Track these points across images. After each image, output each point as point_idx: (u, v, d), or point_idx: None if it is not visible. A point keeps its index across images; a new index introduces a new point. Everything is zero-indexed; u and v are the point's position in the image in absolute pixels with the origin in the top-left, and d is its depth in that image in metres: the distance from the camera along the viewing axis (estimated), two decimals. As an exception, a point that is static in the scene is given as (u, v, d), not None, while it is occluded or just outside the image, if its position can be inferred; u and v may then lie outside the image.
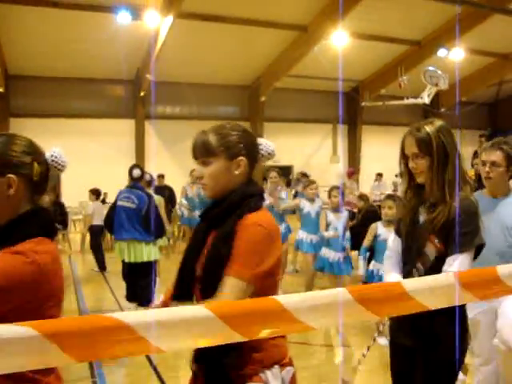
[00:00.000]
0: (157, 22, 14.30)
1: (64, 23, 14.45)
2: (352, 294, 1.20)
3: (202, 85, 19.13)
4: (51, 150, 1.90)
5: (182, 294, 1.93)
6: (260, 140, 2.08)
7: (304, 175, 12.42)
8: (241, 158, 1.90)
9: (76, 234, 12.79)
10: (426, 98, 16.17)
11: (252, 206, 1.88)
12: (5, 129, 17.22)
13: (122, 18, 14.10)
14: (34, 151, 1.73)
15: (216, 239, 1.86)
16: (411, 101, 17.10)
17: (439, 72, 15.21)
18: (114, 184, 9.49)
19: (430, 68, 15.48)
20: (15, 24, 14.41)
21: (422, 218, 2.41)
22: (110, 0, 13.73)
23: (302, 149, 20.81)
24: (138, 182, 6.39)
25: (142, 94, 18.44)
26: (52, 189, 6.61)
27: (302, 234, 7.12)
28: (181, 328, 1.08)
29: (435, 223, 2.30)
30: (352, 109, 21.63)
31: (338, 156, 21.86)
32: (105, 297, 7.91)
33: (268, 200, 7.02)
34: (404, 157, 2.47)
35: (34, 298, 1.49)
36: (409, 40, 18.14)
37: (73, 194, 14.01)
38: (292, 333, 1.16)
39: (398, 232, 2.58)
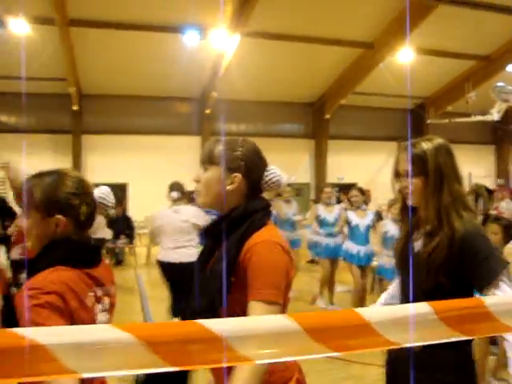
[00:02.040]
0: (223, 41, 14.59)
1: (134, 44, 14.98)
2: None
3: (266, 102, 19.31)
4: (100, 188, 1.94)
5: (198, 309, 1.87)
6: (271, 168, 1.99)
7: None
8: (236, 174, 1.85)
9: (142, 248, 13.06)
10: (495, 115, 15.70)
11: (256, 223, 1.81)
12: (78, 145, 17.93)
13: (190, 37, 14.48)
14: (84, 192, 1.77)
15: (219, 259, 1.79)
16: (479, 118, 16.68)
17: (509, 88, 14.78)
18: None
19: (500, 84, 15.05)
20: (89, 46, 15.06)
21: (418, 245, 2.13)
22: (178, 20, 14.11)
23: (366, 167, 20.61)
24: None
25: (207, 111, 18.76)
26: (119, 203, 6.81)
27: (349, 246, 7.03)
28: (265, 338, 1.06)
29: (434, 257, 2.00)
30: (417, 126, 21.25)
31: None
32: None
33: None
34: (397, 175, 2.21)
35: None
36: (477, 55, 17.76)
37: (139, 208, 14.35)
38: (376, 348, 1.06)
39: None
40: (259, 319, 1.16)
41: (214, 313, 1.72)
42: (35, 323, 1.43)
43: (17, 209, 6.22)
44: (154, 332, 1.04)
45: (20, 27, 13.29)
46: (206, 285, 1.79)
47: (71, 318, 1.55)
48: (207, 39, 14.59)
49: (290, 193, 8.49)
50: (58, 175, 1.75)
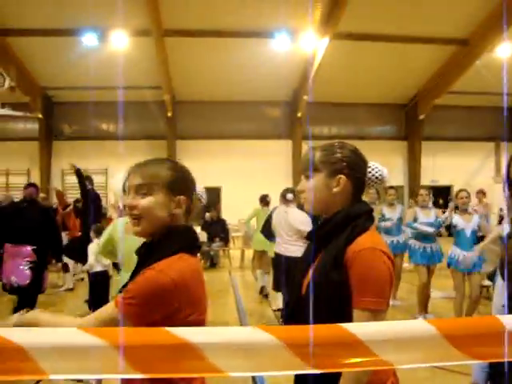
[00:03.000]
0: (313, 44, 14.58)
1: (225, 51, 15.30)
2: None
3: (358, 104, 19.10)
4: (197, 187, 1.97)
5: (291, 313, 1.89)
6: (371, 163, 1.98)
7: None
8: (340, 175, 1.84)
9: (235, 251, 13.23)
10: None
11: (360, 227, 1.80)
12: (172, 150, 18.48)
13: (280, 42, 14.58)
14: (193, 181, 1.83)
15: (324, 263, 1.79)
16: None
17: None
18: (272, 203, 9.77)
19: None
20: (182, 54, 15.56)
21: None
22: (268, 26, 14.25)
23: (462, 168, 19.89)
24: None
25: (299, 114, 18.80)
26: (214, 207, 7.01)
27: (455, 251, 6.72)
28: (405, 342, 1.04)
29: None
30: (519, 126, 20.27)
31: (502, 176, 20.50)
32: (265, 312, 8.06)
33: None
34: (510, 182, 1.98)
35: (172, 307, 1.56)
36: None
37: (232, 211, 14.57)
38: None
39: (502, 275, 2.20)
40: (399, 324, 1.13)
41: (300, 311, 1.75)
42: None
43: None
44: (295, 334, 1.05)
45: (119, 40, 13.90)
46: (308, 285, 1.81)
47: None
48: (297, 43, 14.64)
49: (394, 196, 8.23)
50: (171, 161, 1.82)
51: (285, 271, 6.35)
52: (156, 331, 1.07)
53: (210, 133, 18.93)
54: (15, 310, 5.08)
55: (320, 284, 1.77)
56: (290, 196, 6.82)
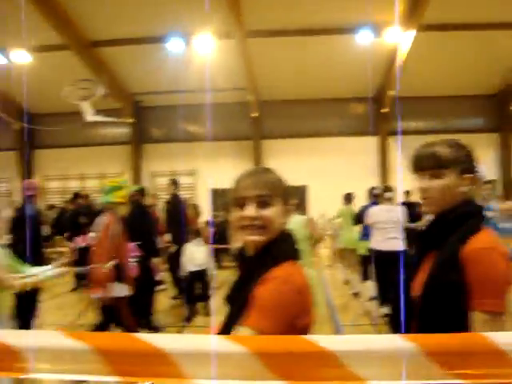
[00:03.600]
0: (398, 38, 14.30)
1: (308, 48, 15.29)
2: None
3: (444, 97, 18.51)
4: None
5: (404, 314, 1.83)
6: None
7: None
8: (470, 175, 1.80)
9: (324, 250, 13.17)
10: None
11: (474, 227, 1.75)
12: (258, 150, 18.73)
13: (364, 37, 14.39)
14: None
15: (440, 263, 1.75)
16: None
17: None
18: (359, 201, 9.70)
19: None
20: (265, 55, 15.68)
21: None
22: (351, 21, 14.12)
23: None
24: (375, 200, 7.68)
25: (384, 110, 18.48)
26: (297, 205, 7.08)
27: None
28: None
29: None
30: None
31: None
32: (354, 309, 8.03)
33: None
34: None
35: (296, 315, 1.56)
36: None
37: (319, 209, 14.54)
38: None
39: None
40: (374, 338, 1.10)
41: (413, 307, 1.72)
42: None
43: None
44: (433, 341, 1.05)
45: (204, 44, 14.23)
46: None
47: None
48: (381, 37, 14.40)
49: (489, 190, 7.78)
50: (274, 170, 1.82)
51: (383, 267, 6.64)
52: (295, 339, 1.08)
53: (294, 131, 18.96)
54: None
55: (438, 285, 1.74)
56: (389, 194, 7.10)
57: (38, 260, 5.68)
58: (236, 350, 1.05)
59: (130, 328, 5.31)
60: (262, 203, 1.68)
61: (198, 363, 1.06)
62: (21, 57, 14.89)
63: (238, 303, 1.65)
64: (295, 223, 5.12)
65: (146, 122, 19.73)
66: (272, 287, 1.54)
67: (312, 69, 16.37)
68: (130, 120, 18.43)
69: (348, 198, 9.99)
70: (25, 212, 6.16)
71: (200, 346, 1.07)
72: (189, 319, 7.44)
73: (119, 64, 16.78)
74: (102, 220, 5.41)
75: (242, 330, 1.46)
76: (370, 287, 7.78)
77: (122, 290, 5.37)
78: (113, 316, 5.40)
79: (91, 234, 5.84)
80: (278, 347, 1.06)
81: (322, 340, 1.05)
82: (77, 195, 12.12)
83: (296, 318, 1.54)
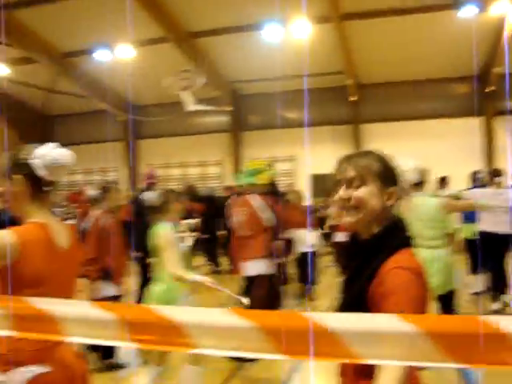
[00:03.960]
0: (504, 10, 13.55)
1: (405, 28, 14.82)
2: None
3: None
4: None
5: None
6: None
7: None
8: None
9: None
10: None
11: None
12: (357, 135, 18.48)
13: (466, 12, 13.72)
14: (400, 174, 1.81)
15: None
16: None
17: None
18: (459, 185, 9.36)
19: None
20: (363, 37, 15.38)
21: None
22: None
23: None
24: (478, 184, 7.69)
25: (489, 89, 17.63)
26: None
27: None
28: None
29: None
30: None
31: None
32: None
33: None
34: None
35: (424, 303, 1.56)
36: None
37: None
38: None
39: None
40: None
41: None
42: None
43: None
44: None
45: (301, 30, 14.17)
46: None
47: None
48: (486, 10, 13.70)
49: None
50: (380, 152, 1.81)
51: (494, 250, 6.59)
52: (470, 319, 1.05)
53: (394, 115, 18.50)
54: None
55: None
56: (498, 178, 7.07)
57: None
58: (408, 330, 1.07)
59: None
60: (354, 185, 1.70)
61: (370, 343, 1.10)
62: (125, 51, 15.49)
63: (352, 292, 1.66)
64: (425, 205, 4.99)
65: (244, 109, 20.00)
66: (403, 279, 1.54)
67: (411, 49, 15.88)
68: (229, 108, 18.74)
69: (443, 181, 9.71)
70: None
71: (371, 326, 1.10)
72: (301, 297, 7.55)
73: (217, 53, 17.08)
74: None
75: None
76: (478, 279, 7.54)
77: None
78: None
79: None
80: (451, 328, 1.05)
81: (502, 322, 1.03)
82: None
83: (425, 307, 1.56)
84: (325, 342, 1.07)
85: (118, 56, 15.67)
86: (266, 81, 17.55)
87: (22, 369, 1.92)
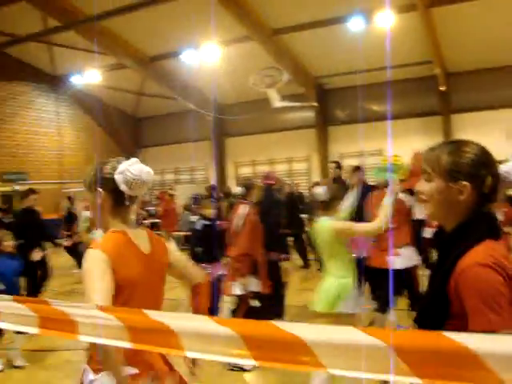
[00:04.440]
0: None
1: (495, 11, 14.05)
2: None
3: None
4: (507, 164, 1.83)
5: None
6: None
7: None
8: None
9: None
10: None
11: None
12: (447, 126, 17.87)
13: None
14: (489, 162, 1.69)
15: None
16: None
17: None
18: None
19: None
20: (451, 23, 14.80)
21: None
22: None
23: None
24: None
25: None
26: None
27: None
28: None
29: None
30: None
31: None
32: None
33: None
34: None
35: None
36: None
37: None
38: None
39: None
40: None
41: None
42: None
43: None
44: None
45: (385, 20, 13.83)
46: None
47: None
48: None
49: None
50: (460, 142, 1.73)
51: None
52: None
53: (486, 103, 17.64)
54: None
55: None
56: None
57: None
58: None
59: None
60: (425, 178, 1.71)
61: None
62: (210, 52, 15.70)
63: (433, 285, 1.65)
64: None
65: (329, 104, 19.83)
66: (478, 278, 1.48)
67: (502, 32, 15.05)
68: (315, 103, 18.63)
69: None
70: (273, 199, 6.72)
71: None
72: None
73: (301, 49, 17.02)
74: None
75: None
76: None
77: None
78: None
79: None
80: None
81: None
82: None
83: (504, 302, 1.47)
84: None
85: (203, 57, 15.92)
86: (350, 74, 17.25)
87: None
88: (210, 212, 6.42)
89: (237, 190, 5.87)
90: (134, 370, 2.04)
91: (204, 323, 1.14)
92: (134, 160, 2.24)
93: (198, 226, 6.16)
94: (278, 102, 14.87)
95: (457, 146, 1.70)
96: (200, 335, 1.13)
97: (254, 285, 5.64)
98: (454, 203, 1.65)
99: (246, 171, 21.26)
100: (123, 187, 2.16)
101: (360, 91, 16.63)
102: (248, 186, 5.93)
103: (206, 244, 6.04)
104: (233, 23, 14.84)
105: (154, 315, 1.18)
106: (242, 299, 5.73)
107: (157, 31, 16.15)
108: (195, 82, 19.00)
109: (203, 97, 19.77)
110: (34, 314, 1.46)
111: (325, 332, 1.10)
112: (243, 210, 5.71)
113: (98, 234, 2.29)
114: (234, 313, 5.77)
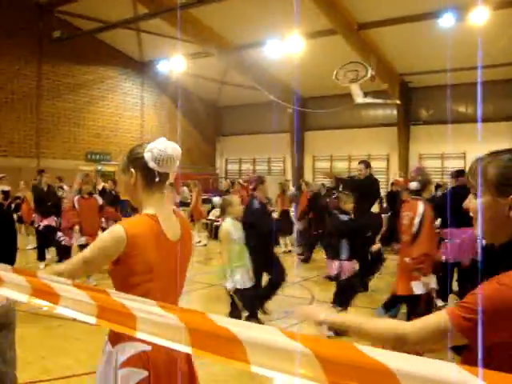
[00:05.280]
0: None
1: None
2: None
3: None
4: None
5: None
6: None
7: None
8: None
9: None
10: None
11: None
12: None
13: None
14: None
15: None
16: None
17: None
18: None
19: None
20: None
21: None
22: None
23: None
24: None
25: None
26: None
27: None
28: None
29: None
30: None
31: None
32: None
33: None
34: None
35: None
36: None
37: None
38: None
39: None
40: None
41: None
42: None
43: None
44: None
45: (479, 17, 13.22)
46: None
47: None
48: None
49: None
50: (507, 153, 1.55)
51: None
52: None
53: None
54: None
55: None
56: None
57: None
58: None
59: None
60: (473, 193, 1.56)
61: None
62: (294, 44, 15.58)
63: None
64: None
65: (414, 102, 19.34)
66: (484, 291, 1.38)
67: None
68: (398, 101, 18.17)
69: None
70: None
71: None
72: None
73: (387, 44, 16.62)
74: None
75: None
76: None
77: None
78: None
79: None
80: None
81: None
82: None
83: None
84: None
85: (286, 48, 15.83)
86: (438, 73, 16.74)
87: (128, 344, 2.12)
88: (350, 206, 6.48)
89: (411, 185, 5.71)
90: (146, 347, 2.12)
91: (274, 336, 1.05)
92: (161, 139, 2.31)
93: (342, 222, 6.28)
94: (360, 98, 14.54)
95: (505, 156, 1.54)
96: (269, 348, 1.04)
97: (434, 283, 5.71)
98: (503, 219, 1.50)
99: (323, 165, 21.07)
100: (152, 164, 2.23)
101: (447, 91, 16.11)
102: (423, 181, 5.73)
103: (351, 240, 6.19)
104: (319, 15, 14.67)
105: (219, 321, 1.11)
106: (421, 299, 5.62)
107: (242, 21, 16.21)
108: (277, 73, 18.95)
109: (284, 88, 19.69)
110: (92, 303, 1.44)
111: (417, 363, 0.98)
112: (420, 207, 5.53)
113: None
114: (413, 313, 5.59)
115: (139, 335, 1.34)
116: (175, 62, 18.35)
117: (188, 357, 2.32)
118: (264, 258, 6.22)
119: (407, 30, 15.12)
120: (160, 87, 22.36)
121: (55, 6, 18.22)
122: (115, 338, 2.17)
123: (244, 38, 17.64)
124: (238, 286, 5.62)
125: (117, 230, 2.16)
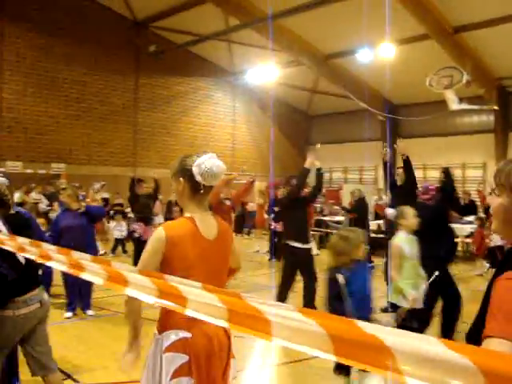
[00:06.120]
0: None
1: None
2: None
3: None
4: None
5: None
6: None
7: None
8: None
9: None
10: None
11: None
12: None
13: None
14: None
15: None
16: None
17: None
18: None
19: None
20: None
21: None
22: None
23: None
24: None
25: None
26: None
27: None
28: None
29: None
30: None
31: None
32: None
33: None
34: None
35: None
36: None
37: None
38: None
39: None
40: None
41: None
42: None
43: None
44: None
45: None
46: None
47: None
48: None
49: None
50: None
51: None
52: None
53: None
54: None
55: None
56: None
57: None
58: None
59: None
60: (496, 193, 1.58)
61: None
62: (386, 51, 15.37)
63: (483, 302, 1.53)
64: None
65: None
66: (500, 289, 1.34)
67: None
68: (495, 107, 17.48)
69: None
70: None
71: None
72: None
73: (483, 47, 16.05)
74: None
75: (487, 342, 1.24)
76: None
77: None
78: None
79: None
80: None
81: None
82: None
83: None
84: None
85: (378, 55, 15.64)
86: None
87: (171, 332, 2.40)
88: None
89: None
90: (186, 334, 2.39)
91: (432, 346, 1.00)
92: (210, 155, 2.57)
93: None
94: (455, 105, 14.10)
95: None
96: (424, 360, 0.99)
97: None
98: None
99: (416, 174, 20.52)
100: (198, 178, 2.50)
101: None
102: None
103: None
104: (410, 21, 14.40)
105: (366, 327, 1.11)
106: None
107: (333, 29, 16.20)
108: (368, 80, 18.76)
109: (377, 96, 19.46)
110: (223, 306, 1.49)
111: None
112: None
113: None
114: None
115: (275, 340, 1.36)
116: (266, 72, 18.57)
117: (227, 331, 2.54)
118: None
119: (505, 31, 14.54)
120: (251, 96, 22.68)
121: (150, 21, 19.01)
122: (162, 327, 2.45)
123: (334, 46, 17.60)
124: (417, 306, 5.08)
125: (158, 232, 2.47)
